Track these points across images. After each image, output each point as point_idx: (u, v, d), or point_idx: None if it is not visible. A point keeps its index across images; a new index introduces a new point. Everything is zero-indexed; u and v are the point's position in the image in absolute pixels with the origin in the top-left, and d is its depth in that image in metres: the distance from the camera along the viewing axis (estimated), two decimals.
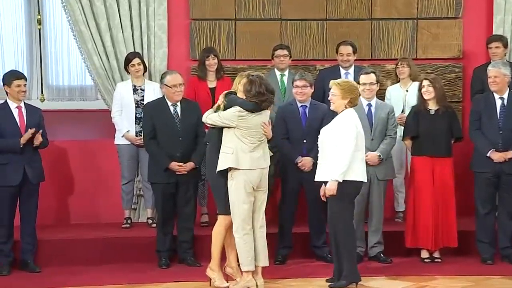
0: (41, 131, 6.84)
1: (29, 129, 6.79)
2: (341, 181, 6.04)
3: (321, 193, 6.22)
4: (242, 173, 6.10)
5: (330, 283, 6.29)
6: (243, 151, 6.07)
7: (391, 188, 7.81)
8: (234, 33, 8.20)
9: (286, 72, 7.73)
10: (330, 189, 6.09)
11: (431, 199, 6.95)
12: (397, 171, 7.68)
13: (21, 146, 6.74)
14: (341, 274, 6.23)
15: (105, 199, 8.00)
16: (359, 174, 6.18)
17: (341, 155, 6.05)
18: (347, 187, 6.11)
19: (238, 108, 6.11)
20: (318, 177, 6.23)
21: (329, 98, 6.30)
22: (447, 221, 6.98)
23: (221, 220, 6.28)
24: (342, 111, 6.19)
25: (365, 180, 6.25)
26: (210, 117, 6.20)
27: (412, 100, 7.41)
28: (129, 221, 7.79)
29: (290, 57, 7.77)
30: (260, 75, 6.28)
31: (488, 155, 6.94)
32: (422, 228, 6.98)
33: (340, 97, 6.17)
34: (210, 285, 6.33)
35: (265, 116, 6.22)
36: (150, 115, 6.96)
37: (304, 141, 6.89)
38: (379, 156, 6.90)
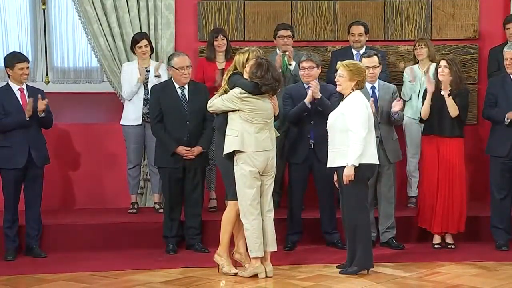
0: (40, 95, 6.80)
1: (28, 99, 6.77)
2: (358, 165, 6.06)
3: (335, 179, 6.24)
4: (247, 157, 6.12)
5: (340, 269, 6.33)
6: (248, 133, 6.10)
7: (404, 173, 7.84)
8: (243, 14, 8.20)
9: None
10: (348, 175, 6.09)
11: (437, 179, 6.98)
12: (412, 155, 7.75)
13: (27, 119, 6.74)
14: (353, 261, 6.27)
15: (111, 184, 8.03)
16: (373, 156, 6.21)
17: (355, 139, 6.05)
18: (362, 171, 6.12)
19: (238, 89, 6.13)
20: (330, 163, 6.24)
21: (335, 80, 6.32)
22: (453, 204, 6.98)
23: (232, 206, 6.31)
24: (349, 93, 6.21)
25: (378, 162, 6.27)
26: (214, 103, 6.23)
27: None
28: (135, 206, 7.81)
29: (293, 37, 7.75)
30: (270, 60, 6.28)
31: (506, 117, 6.89)
32: (427, 209, 7.03)
33: (347, 79, 6.18)
34: (218, 271, 6.37)
35: (269, 102, 6.23)
36: (157, 97, 6.98)
37: (312, 122, 6.89)
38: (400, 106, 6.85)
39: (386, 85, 7.12)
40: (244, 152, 6.12)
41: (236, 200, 6.23)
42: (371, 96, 6.92)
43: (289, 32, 7.70)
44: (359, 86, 6.23)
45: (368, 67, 6.87)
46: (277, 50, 7.73)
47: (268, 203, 6.24)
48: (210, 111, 6.34)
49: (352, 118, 6.09)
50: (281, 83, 6.30)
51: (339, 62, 6.31)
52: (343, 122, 6.13)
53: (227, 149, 6.16)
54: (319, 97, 6.80)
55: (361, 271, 6.26)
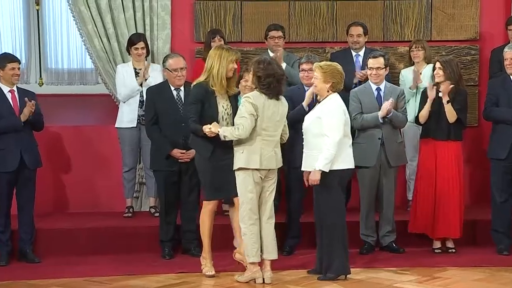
0: (26, 99, 6.77)
1: (28, 103, 6.75)
2: (327, 171, 6.04)
3: (305, 179, 6.25)
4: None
5: (319, 276, 6.28)
6: (253, 151, 6.06)
7: (403, 175, 7.82)
8: (241, 14, 8.19)
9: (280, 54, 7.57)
10: (313, 179, 6.09)
11: (434, 183, 6.96)
12: (411, 158, 7.67)
13: (23, 124, 6.74)
14: (322, 265, 6.25)
15: (106, 187, 8.01)
16: (347, 161, 6.17)
17: (329, 144, 6.03)
18: (334, 177, 6.09)
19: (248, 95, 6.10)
20: (304, 167, 6.23)
21: (311, 81, 6.29)
22: (449, 209, 6.95)
23: (204, 206, 6.38)
24: (326, 96, 6.17)
25: (353, 167, 6.24)
26: (244, 126, 6.03)
27: (426, 84, 7.35)
28: (131, 210, 7.80)
29: (284, 38, 7.75)
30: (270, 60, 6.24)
31: None
32: (420, 214, 7.02)
33: (322, 81, 6.14)
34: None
35: (282, 106, 6.16)
36: (153, 99, 6.95)
37: None
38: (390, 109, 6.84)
39: (393, 87, 7.11)
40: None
41: (208, 200, 6.31)
42: (376, 98, 6.94)
43: (280, 33, 7.70)
44: (335, 88, 6.17)
45: (371, 68, 6.89)
46: (268, 51, 7.72)
47: (269, 209, 6.22)
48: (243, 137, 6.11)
49: (328, 122, 6.07)
50: (285, 75, 6.22)
51: (315, 63, 6.30)
52: (319, 126, 6.12)
53: (235, 165, 6.13)
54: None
55: (339, 277, 6.22)
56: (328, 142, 6.03)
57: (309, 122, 6.21)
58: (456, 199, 6.98)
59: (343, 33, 8.00)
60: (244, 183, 6.11)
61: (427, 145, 7.03)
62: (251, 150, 6.08)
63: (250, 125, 6.02)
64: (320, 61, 6.82)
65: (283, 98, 6.21)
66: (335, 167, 6.08)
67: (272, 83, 6.06)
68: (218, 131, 6.08)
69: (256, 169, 6.08)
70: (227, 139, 6.09)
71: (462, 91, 7.05)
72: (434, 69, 7.02)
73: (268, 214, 6.22)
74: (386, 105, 6.80)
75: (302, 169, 6.24)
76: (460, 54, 8.24)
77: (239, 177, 6.13)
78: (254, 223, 6.13)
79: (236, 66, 6.31)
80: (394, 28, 8.26)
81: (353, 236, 6.96)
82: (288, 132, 6.27)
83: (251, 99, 6.04)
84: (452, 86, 6.86)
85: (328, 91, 6.16)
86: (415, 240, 7.18)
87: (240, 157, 6.10)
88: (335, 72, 6.17)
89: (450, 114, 6.91)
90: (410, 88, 7.61)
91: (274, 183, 6.25)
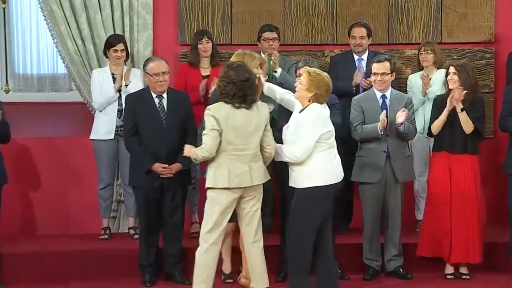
0: None
1: None
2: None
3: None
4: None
5: None
6: (220, 169, 6.06)
7: (411, 193, 7.81)
8: (230, 13, 8.18)
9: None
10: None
11: (447, 202, 6.96)
12: (419, 173, 7.65)
13: None
14: None
15: (80, 206, 7.97)
16: (328, 177, 6.14)
17: (292, 155, 6.07)
18: (308, 193, 6.08)
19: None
20: (292, 183, 6.23)
21: (295, 84, 6.28)
22: (466, 231, 6.95)
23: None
24: (306, 106, 6.16)
25: (337, 181, 6.20)
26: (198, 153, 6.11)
27: (436, 90, 7.45)
28: (107, 232, 7.78)
29: (279, 40, 7.75)
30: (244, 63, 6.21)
31: None
32: (431, 236, 7.01)
33: (305, 88, 6.14)
34: None
35: (257, 115, 6.11)
36: (132, 108, 6.93)
37: None
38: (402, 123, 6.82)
39: (399, 95, 7.11)
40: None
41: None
42: (381, 107, 6.93)
43: (275, 34, 7.69)
44: (316, 100, 6.15)
45: (376, 74, 6.92)
46: (261, 54, 7.63)
47: (254, 232, 6.18)
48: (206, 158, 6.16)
49: (301, 135, 6.07)
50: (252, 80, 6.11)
51: (305, 67, 6.28)
52: (295, 136, 6.16)
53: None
54: None
55: None
56: (293, 153, 6.06)
57: (286, 133, 6.21)
58: (474, 219, 6.96)
59: (344, 34, 8.01)
60: (210, 204, 6.10)
61: (440, 159, 7.02)
62: (217, 168, 6.07)
63: (212, 141, 6.02)
64: (318, 66, 6.95)
65: (261, 106, 6.16)
66: (312, 184, 6.06)
67: (233, 91, 6.03)
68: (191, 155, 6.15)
69: (226, 188, 6.05)
70: (197, 162, 6.11)
71: (479, 99, 7.03)
72: (447, 74, 7.01)
73: (253, 236, 6.18)
74: (400, 115, 6.77)
75: (290, 184, 6.22)
76: (474, 58, 8.25)
77: (207, 197, 6.11)
78: (209, 250, 6.10)
79: (261, 72, 6.33)
80: (400, 29, 8.26)
81: (355, 260, 7.05)
82: (272, 143, 6.21)
83: (211, 111, 6.03)
84: (465, 92, 6.84)
85: (309, 101, 6.16)
86: (424, 265, 7.16)
87: (208, 176, 6.10)
88: (322, 84, 6.15)
89: (466, 124, 6.89)
90: (421, 93, 7.66)
91: (258, 202, 6.20)
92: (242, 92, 6.03)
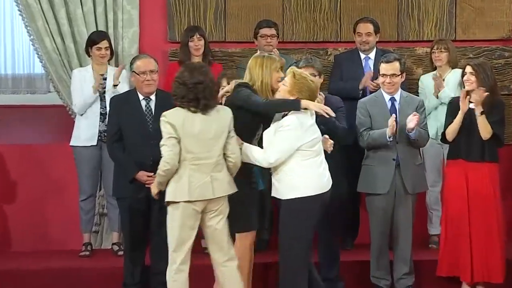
0: None
1: None
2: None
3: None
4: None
5: None
6: (180, 180, 5.99)
7: (423, 205, 7.77)
8: (224, 9, 8.20)
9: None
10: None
11: (467, 215, 6.93)
12: (432, 183, 7.66)
13: None
14: None
15: (58, 220, 7.97)
16: (315, 186, 6.11)
17: (262, 157, 6.04)
18: (297, 206, 6.05)
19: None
20: (274, 193, 6.24)
21: (278, 84, 6.23)
22: (486, 247, 6.91)
23: (240, 240, 6.27)
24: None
25: (325, 190, 6.16)
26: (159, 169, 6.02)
27: (450, 93, 7.47)
28: (89, 248, 7.76)
29: (278, 37, 7.79)
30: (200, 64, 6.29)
31: None
32: (450, 253, 6.98)
33: (287, 90, 6.11)
34: None
35: (217, 121, 6.06)
36: (116, 111, 6.89)
37: None
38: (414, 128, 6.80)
39: (410, 97, 7.07)
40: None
41: (243, 231, 6.23)
42: (390, 111, 6.90)
43: (273, 31, 7.75)
44: None
45: (384, 75, 6.87)
46: (258, 52, 7.66)
47: (225, 249, 6.07)
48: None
49: (278, 141, 6.04)
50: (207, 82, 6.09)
51: (291, 67, 6.24)
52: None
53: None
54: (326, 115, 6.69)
55: None
56: (264, 156, 6.03)
57: (266, 138, 6.20)
58: (494, 233, 6.90)
59: (349, 31, 8.04)
60: (171, 220, 6.03)
61: (456, 168, 6.96)
62: (177, 179, 5.99)
63: (171, 151, 5.94)
64: (321, 65, 7.01)
65: (221, 110, 6.13)
66: (296, 195, 6.04)
67: (182, 93, 5.99)
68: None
69: (187, 202, 5.98)
70: (163, 180, 6.02)
71: (498, 101, 6.97)
72: (463, 74, 6.95)
73: (224, 255, 6.07)
74: (411, 119, 6.72)
75: (272, 194, 6.23)
76: (491, 56, 8.24)
77: (168, 212, 6.05)
78: (179, 271, 6.01)
79: (282, 75, 6.34)
80: (411, 25, 8.29)
81: (362, 279, 7.05)
82: (237, 151, 6.14)
83: (166, 118, 5.98)
84: (486, 94, 6.79)
85: None
86: (436, 284, 7.15)
87: (167, 189, 6.03)
88: (305, 89, 6.10)
89: (484, 128, 6.83)
90: (433, 94, 7.68)
91: (224, 218, 6.12)
92: (193, 95, 5.97)
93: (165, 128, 5.94)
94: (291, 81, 6.10)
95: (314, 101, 6.15)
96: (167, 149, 5.92)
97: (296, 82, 6.09)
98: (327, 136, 6.32)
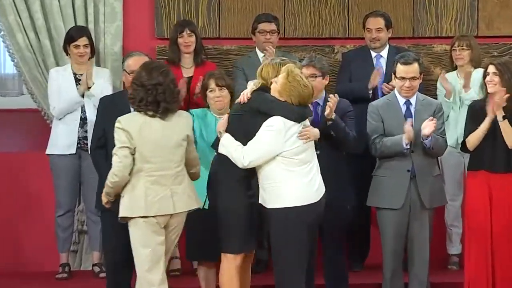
0: None
1: None
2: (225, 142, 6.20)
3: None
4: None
5: None
6: (136, 194, 5.96)
7: (441, 221, 7.76)
8: (218, 2, 8.21)
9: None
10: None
11: (490, 231, 6.85)
12: (452, 196, 7.62)
13: None
14: None
15: (33, 238, 7.94)
16: (303, 196, 6.09)
17: (240, 156, 6.06)
18: (285, 216, 6.04)
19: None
20: (261, 201, 6.23)
21: (271, 80, 6.20)
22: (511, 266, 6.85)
23: (228, 261, 6.27)
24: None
25: (316, 200, 6.15)
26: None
27: (473, 94, 7.41)
28: (66, 269, 7.70)
29: (279, 33, 7.78)
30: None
31: None
32: (478, 274, 6.86)
33: (277, 89, 6.11)
34: None
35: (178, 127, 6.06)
36: (103, 114, 6.84)
37: (317, 152, 6.59)
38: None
39: (427, 101, 6.98)
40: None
41: (229, 253, 6.21)
42: (405, 115, 6.83)
43: (273, 26, 7.73)
44: None
45: (403, 78, 6.76)
46: (256, 50, 7.77)
47: (161, 272, 6.04)
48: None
49: (257, 143, 6.07)
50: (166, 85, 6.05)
51: (288, 64, 6.19)
52: None
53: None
54: (334, 117, 6.65)
55: None
56: (242, 154, 6.05)
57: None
58: None
59: (358, 26, 8.06)
60: (133, 238, 5.97)
61: (478, 180, 6.87)
62: (133, 193, 5.95)
63: (120, 163, 5.89)
64: (326, 65, 6.98)
65: (183, 115, 6.12)
66: (282, 204, 6.03)
67: (139, 96, 5.95)
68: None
69: (144, 217, 5.94)
70: (111, 192, 5.99)
71: None
72: (485, 75, 6.84)
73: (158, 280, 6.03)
74: (427, 125, 6.62)
75: (260, 201, 6.22)
76: None
77: (130, 231, 6.00)
78: None
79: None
80: (427, 20, 8.29)
81: None
82: (198, 163, 6.20)
83: (121, 124, 5.94)
84: (508, 96, 6.69)
85: None
86: None
87: (122, 203, 5.98)
88: (295, 93, 6.06)
89: (509, 135, 6.75)
90: (445, 96, 7.62)
91: (179, 233, 6.15)
92: (152, 98, 5.93)
93: (118, 136, 5.88)
94: (282, 81, 6.08)
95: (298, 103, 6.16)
96: (117, 160, 5.87)
97: (287, 84, 6.07)
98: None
